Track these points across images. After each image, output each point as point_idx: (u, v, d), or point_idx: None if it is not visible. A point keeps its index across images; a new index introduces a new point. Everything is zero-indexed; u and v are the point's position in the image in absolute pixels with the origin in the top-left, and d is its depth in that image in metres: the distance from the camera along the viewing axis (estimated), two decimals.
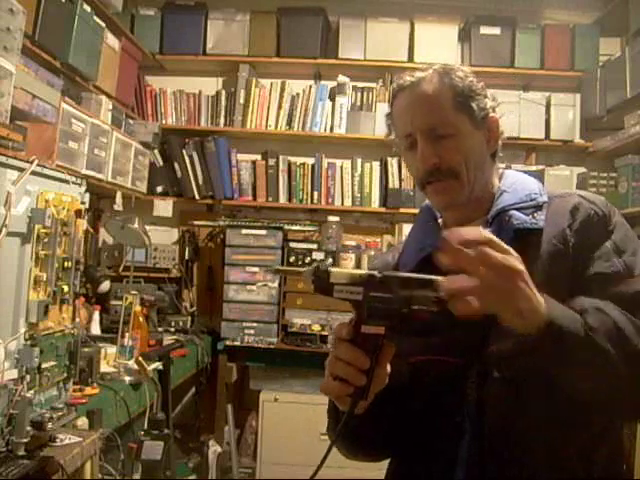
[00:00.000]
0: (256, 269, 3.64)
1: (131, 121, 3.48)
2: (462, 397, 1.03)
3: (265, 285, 3.63)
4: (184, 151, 3.84)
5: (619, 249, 1.03)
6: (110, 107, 3.09)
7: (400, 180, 3.80)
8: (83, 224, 1.91)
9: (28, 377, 1.53)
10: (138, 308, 2.75)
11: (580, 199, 1.09)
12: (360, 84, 3.90)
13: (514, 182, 1.16)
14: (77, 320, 1.98)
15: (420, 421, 1.07)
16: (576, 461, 1.01)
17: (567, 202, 1.09)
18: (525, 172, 1.23)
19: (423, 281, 0.79)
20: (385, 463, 1.20)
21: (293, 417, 3.36)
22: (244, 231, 3.67)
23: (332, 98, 3.87)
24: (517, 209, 1.08)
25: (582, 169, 3.86)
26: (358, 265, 3.72)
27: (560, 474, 1.00)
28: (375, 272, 0.79)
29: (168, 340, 3.10)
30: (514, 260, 0.81)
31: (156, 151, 3.78)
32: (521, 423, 1.00)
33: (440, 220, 1.18)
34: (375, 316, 0.79)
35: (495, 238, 0.81)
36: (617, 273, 1.01)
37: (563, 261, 1.03)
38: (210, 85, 4.03)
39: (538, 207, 1.09)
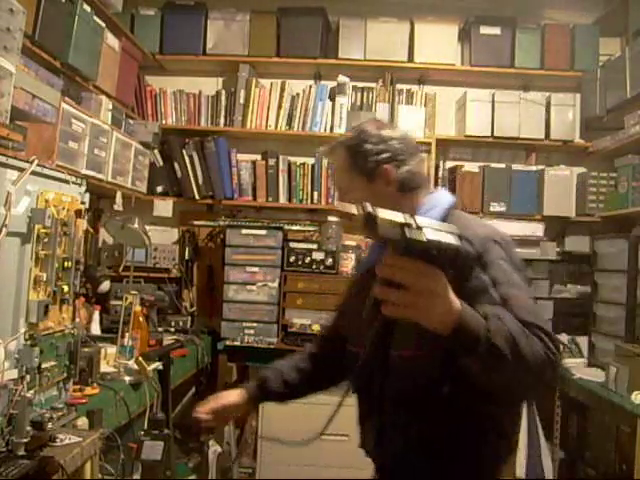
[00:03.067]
0: (256, 269, 3.64)
1: (131, 121, 3.48)
2: (374, 381, 1.39)
3: (265, 285, 3.63)
4: (184, 151, 3.84)
5: (495, 282, 1.24)
6: (110, 107, 3.09)
7: None
8: (83, 224, 1.91)
9: (28, 377, 1.53)
10: (138, 308, 2.75)
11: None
12: (360, 84, 3.90)
13: (426, 211, 1.40)
14: (77, 320, 1.98)
15: (358, 393, 1.46)
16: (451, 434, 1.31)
17: None
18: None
19: (445, 231, 0.96)
20: None
21: (293, 417, 3.35)
22: (244, 231, 3.67)
23: (332, 98, 3.87)
24: None
25: (582, 169, 3.86)
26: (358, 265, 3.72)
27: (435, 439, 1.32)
28: (412, 220, 0.94)
29: (168, 340, 3.10)
30: (433, 284, 0.97)
31: (156, 151, 3.78)
32: (403, 412, 1.35)
33: None
34: (409, 253, 0.94)
35: (425, 268, 0.96)
36: (493, 303, 1.19)
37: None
38: (210, 85, 4.04)
39: None
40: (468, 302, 1.10)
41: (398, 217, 0.94)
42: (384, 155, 1.42)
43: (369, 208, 0.95)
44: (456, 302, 1.02)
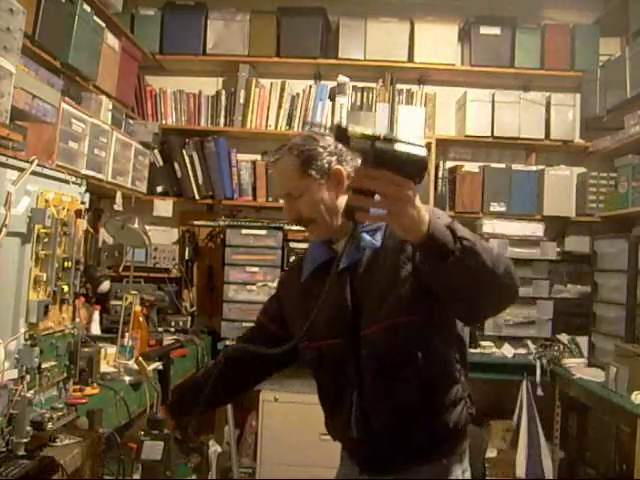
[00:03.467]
0: (256, 269, 3.64)
1: (131, 121, 3.48)
2: (347, 366, 1.49)
3: (265, 285, 3.63)
4: (184, 151, 3.84)
5: None
6: (110, 107, 3.09)
7: None
8: (83, 224, 1.91)
9: (28, 377, 1.52)
10: (138, 308, 2.74)
11: None
12: (360, 84, 3.90)
13: None
14: (77, 320, 1.98)
15: (327, 385, 1.57)
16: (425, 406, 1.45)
17: None
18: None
19: (413, 144, 1.01)
20: None
21: (293, 417, 3.36)
22: (244, 231, 3.67)
23: (332, 98, 3.86)
24: (366, 231, 1.47)
25: (582, 169, 3.86)
26: None
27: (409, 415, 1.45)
28: (380, 132, 1.00)
29: (168, 340, 3.10)
30: (404, 191, 1.01)
31: (156, 151, 3.78)
32: (384, 385, 1.45)
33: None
34: (379, 162, 1.00)
35: (396, 177, 1.01)
36: None
37: (405, 266, 1.41)
38: (210, 85, 4.04)
39: (377, 229, 1.48)
40: None
41: (368, 130, 1.00)
42: (335, 157, 1.50)
43: (342, 122, 1.01)
44: (423, 210, 1.07)
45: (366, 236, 1.48)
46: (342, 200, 1.49)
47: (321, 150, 1.50)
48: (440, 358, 1.47)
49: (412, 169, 1.01)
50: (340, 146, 1.51)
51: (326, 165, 1.50)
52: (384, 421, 1.47)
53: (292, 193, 1.53)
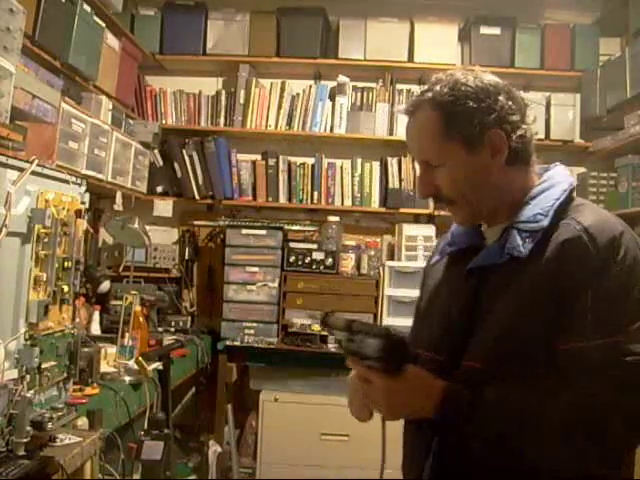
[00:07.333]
0: (256, 269, 3.64)
1: (131, 121, 3.48)
2: None
3: (265, 285, 3.63)
4: (184, 151, 3.84)
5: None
6: (110, 107, 3.09)
7: (400, 180, 3.79)
8: (83, 224, 1.91)
9: (28, 377, 1.53)
10: (138, 308, 2.75)
11: (580, 233, 1.04)
12: (360, 84, 3.90)
13: (542, 190, 1.13)
14: (77, 320, 1.98)
15: None
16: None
17: (566, 231, 1.05)
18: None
19: (370, 332, 0.97)
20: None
21: (293, 417, 3.35)
22: (244, 231, 3.67)
23: (332, 98, 3.87)
24: (519, 229, 1.09)
25: (582, 169, 3.86)
26: (358, 265, 3.72)
27: None
28: (353, 323, 0.96)
29: (168, 340, 3.10)
30: (373, 388, 0.99)
31: (156, 151, 3.78)
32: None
33: None
34: (350, 359, 1.05)
35: (366, 374, 1.02)
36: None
37: (545, 292, 1.03)
38: (210, 85, 4.04)
39: (535, 232, 1.07)
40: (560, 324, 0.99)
41: (341, 322, 0.99)
42: (492, 116, 1.08)
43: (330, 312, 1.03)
44: (421, 392, 1.01)
45: (517, 237, 1.08)
46: (499, 176, 1.11)
47: (473, 105, 1.08)
48: None
49: (386, 362, 0.97)
50: (504, 95, 1.10)
51: (477, 129, 1.08)
52: (461, 464, 1.08)
53: (430, 161, 1.12)
